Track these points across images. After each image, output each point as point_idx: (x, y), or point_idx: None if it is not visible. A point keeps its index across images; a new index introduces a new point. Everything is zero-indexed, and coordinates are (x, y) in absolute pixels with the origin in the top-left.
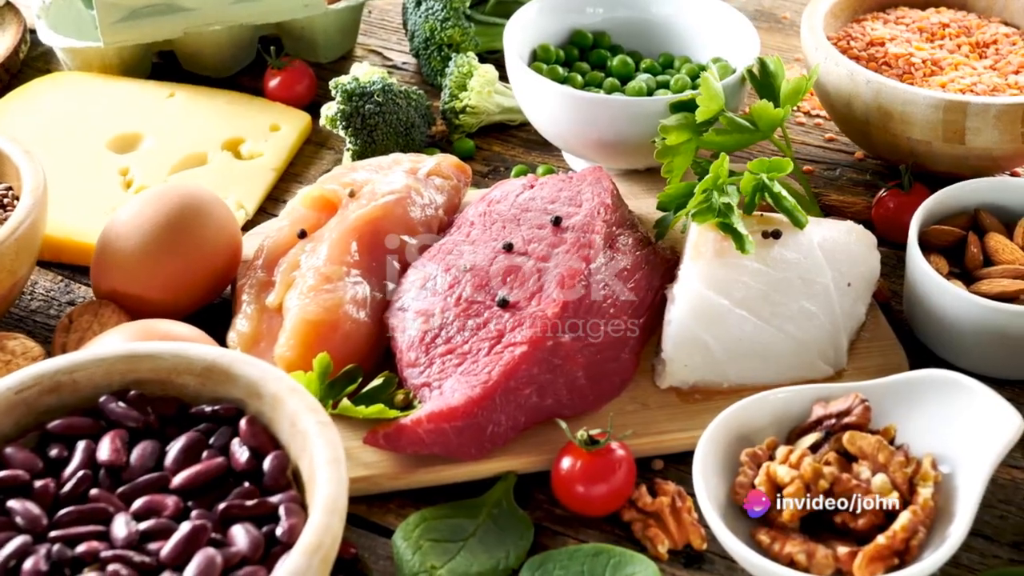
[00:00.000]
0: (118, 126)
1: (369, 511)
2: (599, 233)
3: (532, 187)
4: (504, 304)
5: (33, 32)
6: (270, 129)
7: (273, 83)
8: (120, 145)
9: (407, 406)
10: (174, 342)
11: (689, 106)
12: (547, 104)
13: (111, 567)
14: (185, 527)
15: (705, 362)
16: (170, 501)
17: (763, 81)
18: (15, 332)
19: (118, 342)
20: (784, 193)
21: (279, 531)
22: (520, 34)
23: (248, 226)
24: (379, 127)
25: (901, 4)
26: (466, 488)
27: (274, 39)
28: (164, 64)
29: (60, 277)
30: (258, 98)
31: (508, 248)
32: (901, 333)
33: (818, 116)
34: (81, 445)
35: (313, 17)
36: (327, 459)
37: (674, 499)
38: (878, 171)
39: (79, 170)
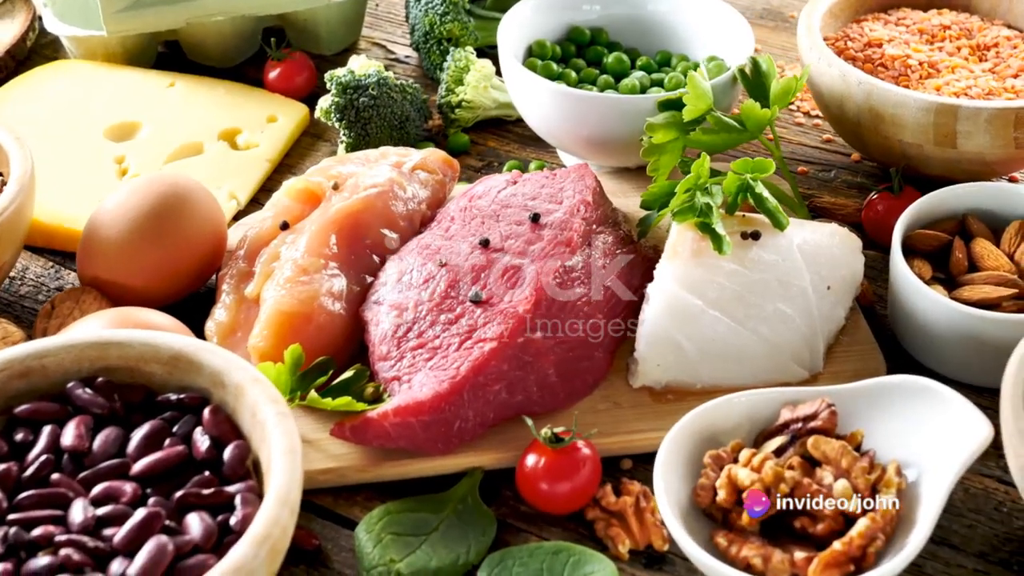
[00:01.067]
0: (117, 115)
1: (335, 503)
2: (577, 231)
3: (515, 183)
4: (477, 300)
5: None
6: (267, 120)
7: (273, 74)
8: (117, 133)
9: (376, 399)
10: (142, 330)
11: (677, 105)
12: (538, 100)
13: (63, 551)
14: (139, 514)
15: (678, 362)
16: (128, 488)
17: (755, 81)
18: (0, 317)
19: (90, 329)
20: (766, 194)
21: (233, 520)
22: (516, 31)
23: (240, 216)
24: (373, 120)
25: (903, 5)
26: (434, 482)
27: (278, 31)
28: (169, 53)
29: (51, 263)
30: (257, 89)
31: (484, 244)
32: (885, 337)
33: (817, 117)
34: (46, 430)
35: (316, 9)
36: (283, 450)
37: (638, 499)
38: (874, 173)
39: (75, 157)
